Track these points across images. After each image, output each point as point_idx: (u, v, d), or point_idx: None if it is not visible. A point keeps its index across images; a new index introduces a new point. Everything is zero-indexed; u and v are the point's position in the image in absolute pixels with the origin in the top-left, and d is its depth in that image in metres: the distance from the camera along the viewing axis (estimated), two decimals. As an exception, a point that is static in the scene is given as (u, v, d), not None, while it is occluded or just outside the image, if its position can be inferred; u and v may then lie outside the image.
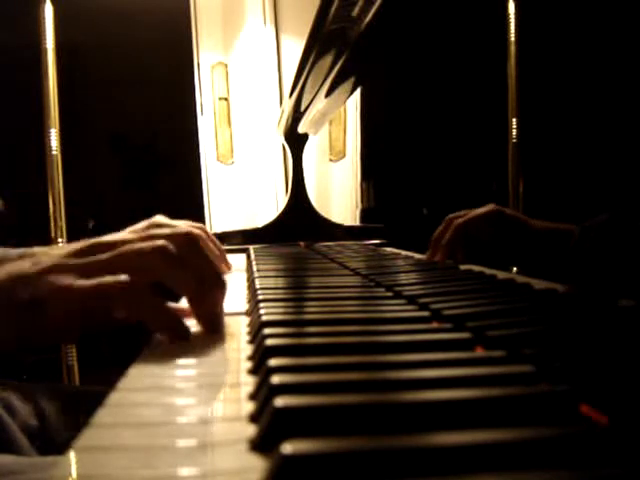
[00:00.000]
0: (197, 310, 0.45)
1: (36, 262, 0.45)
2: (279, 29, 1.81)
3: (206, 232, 0.75)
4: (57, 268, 0.44)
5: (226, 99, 1.80)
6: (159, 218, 0.52)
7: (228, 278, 0.50)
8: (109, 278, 0.42)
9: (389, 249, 1.19)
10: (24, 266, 0.45)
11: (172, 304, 0.48)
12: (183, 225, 0.52)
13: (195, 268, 0.45)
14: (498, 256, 0.88)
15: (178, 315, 0.45)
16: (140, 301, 0.42)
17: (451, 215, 0.92)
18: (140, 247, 0.45)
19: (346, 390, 0.25)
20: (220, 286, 0.47)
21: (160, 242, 0.45)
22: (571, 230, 0.75)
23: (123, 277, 0.42)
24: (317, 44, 0.81)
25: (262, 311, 0.44)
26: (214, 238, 0.79)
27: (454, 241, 0.89)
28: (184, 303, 0.49)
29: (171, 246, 0.45)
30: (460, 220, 0.90)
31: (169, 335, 0.43)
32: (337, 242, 1.40)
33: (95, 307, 0.42)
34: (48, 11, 1.46)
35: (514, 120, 1.58)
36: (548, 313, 0.45)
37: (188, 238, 0.47)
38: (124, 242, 0.46)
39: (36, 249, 0.47)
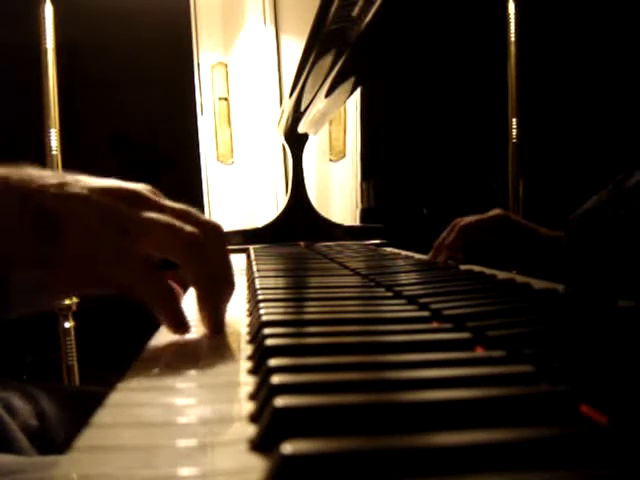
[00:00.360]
0: (203, 307, 0.45)
1: (62, 182, 0.41)
2: (279, 29, 1.81)
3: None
4: (87, 201, 0.41)
5: (226, 99, 1.80)
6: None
7: None
8: (133, 255, 0.41)
9: (389, 249, 1.19)
10: (48, 179, 0.41)
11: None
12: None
13: (213, 264, 0.45)
14: (502, 261, 0.88)
15: (181, 308, 0.44)
16: (154, 284, 0.42)
17: (457, 219, 0.94)
18: (177, 226, 0.43)
19: (346, 390, 0.25)
20: (230, 287, 0.46)
21: (193, 229, 0.43)
22: None
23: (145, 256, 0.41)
24: (317, 44, 0.81)
25: (262, 311, 0.44)
26: None
27: (457, 243, 0.90)
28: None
29: (202, 236, 0.44)
30: (465, 222, 0.91)
31: (169, 324, 0.43)
32: (337, 242, 1.40)
33: (108, 270, 0.41)
34: (48, 11, 1.46)
35: (514, 120, 1.58)
36: (548, 313, 0.45)
37: (217, 232, 0.46)
38: (162, 208, 0.44)
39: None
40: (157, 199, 0.45)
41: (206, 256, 0.44)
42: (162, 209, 0.44)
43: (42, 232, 0.39)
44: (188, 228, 0.43)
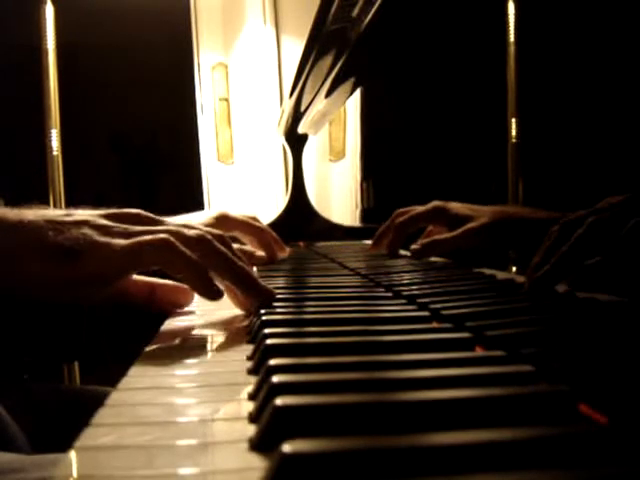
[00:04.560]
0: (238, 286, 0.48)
1: (68, 213, 0.45)
2: (279, 29, 1.81)
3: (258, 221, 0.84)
4: (93, 224, 0.45)
5: (226, 99, 1.80)
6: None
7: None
8: (144, 237, 0.44)
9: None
10: (55, 213, 0.45)
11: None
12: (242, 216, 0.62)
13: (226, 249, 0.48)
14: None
15: (209, 274, 0.46)
16: (176, 257, 0.44)
17: (399, 210, 0.95)
18: (183, 232, 0.46)
19: (346, 390, 0.25)
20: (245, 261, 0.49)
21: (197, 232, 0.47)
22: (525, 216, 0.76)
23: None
24: (317, 44, 0.81)
25: (262, 311, 0.44)
26: (265, 226, 0.86)
27: (396, 241, 0.92)
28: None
29: (208, 235, 0.47)
30: (400, 220, 0.92)
31: (200, 291, 0.45)
32: (337, 242, 1.40)
33: (130, 265, 0.44)
34: (48, 11, 1.46)
35: (514, 120, 1.58)
36: (548, 313, 0.45)
37: (219, 236, 0.49)
38: (163, 222, 0.47)
39: None
40: (156, 217, 0.48)
41: (217, 246, 0.46)
42: (163, 223, 0.48)
43: (66, 260, 0.43)
44: (192, 232, 0.46)
